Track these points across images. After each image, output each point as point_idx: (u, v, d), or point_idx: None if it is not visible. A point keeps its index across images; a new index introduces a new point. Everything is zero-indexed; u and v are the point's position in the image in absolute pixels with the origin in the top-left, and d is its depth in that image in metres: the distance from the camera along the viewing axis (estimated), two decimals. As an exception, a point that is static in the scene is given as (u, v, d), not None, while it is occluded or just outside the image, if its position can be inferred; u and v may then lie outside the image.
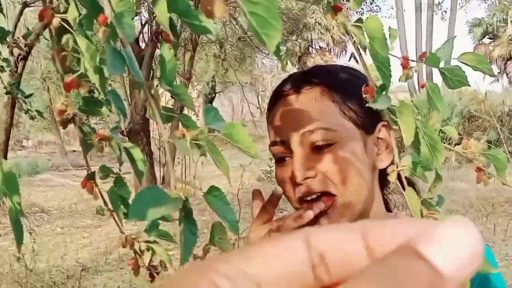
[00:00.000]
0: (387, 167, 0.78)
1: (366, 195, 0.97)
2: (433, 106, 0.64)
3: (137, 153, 0.67)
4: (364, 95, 0.60)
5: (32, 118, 2.38)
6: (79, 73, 0.61)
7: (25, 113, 2.29)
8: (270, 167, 10.26)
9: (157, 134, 11.03)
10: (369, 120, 0.96)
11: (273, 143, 0.99)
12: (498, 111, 13.59)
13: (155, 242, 0.70)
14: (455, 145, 0.61)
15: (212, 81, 16.83)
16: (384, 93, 0.60)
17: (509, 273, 4.54)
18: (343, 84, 0.97)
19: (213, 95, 18.43)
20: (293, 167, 0.94)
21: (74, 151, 18.86)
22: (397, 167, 0.61)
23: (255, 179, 10.43)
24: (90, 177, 0.66)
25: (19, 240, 0.58)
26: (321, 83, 0.97)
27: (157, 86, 0.59)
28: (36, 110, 2.34)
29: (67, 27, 0.61)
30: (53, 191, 10.93)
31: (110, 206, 0.68)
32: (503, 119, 13.53)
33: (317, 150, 0.94)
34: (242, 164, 6.41)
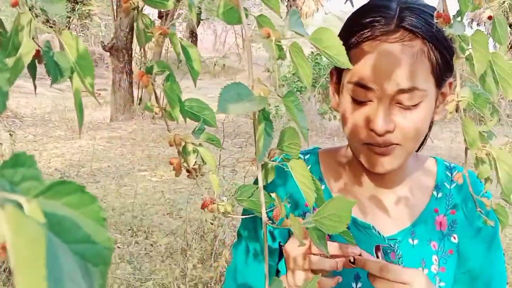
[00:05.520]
0: None
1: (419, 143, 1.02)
2: (497, 39, 0.63)
3: (195, 53, 0.67)
4: (436, 20, 0.60)
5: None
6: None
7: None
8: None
9: (139, 54, 10.83)
10: (444, 76, 0.95)
11: (356, 84, 0.94)
12: None
13: (200, 145, 0.70)
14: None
15: (198, 7, 16.48)
16: (459, 19, 0.59)
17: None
18: (442, 42, 0.92)
19: (197, 21, 18.07)
20: (376, 118, 0.93)
21: (49, 61, 18.44)
22: (457, 96, 0.61)
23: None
24: (148, 70, 0.65)
25: (81, 122, 0.57)
26: (422, 37, 0.91)
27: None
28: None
29: None
30: (26, 98, 10.76)
31: (161, 103, 0.67)
32: None
33: (402, 105, 0.93)
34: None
